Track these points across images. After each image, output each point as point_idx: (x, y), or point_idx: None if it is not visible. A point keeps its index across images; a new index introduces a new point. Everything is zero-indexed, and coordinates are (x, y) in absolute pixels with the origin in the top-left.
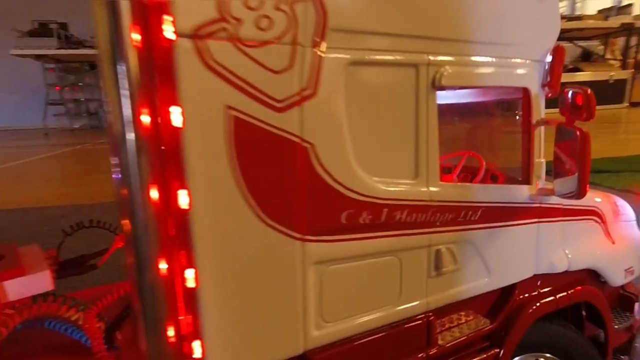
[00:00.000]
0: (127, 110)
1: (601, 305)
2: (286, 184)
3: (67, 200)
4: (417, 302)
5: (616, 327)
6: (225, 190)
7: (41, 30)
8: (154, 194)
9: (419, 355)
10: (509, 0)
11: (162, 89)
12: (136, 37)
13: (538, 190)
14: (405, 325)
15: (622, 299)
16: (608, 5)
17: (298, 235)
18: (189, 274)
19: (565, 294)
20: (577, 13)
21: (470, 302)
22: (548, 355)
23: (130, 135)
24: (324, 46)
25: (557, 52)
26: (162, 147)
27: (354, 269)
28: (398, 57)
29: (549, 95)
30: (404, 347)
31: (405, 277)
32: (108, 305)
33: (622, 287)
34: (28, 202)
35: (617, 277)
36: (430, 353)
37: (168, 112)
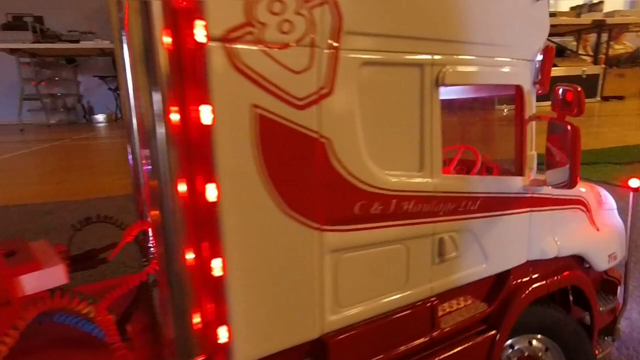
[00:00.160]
0: (157, 108)
1: (588, 289)
2: (305, 177)
3: (49, 198)
4: (422, 287)
5: (600, 309)
6: (251, 183)
7: (15, 24)
8: (182, 187)
9: (424, 338)
10: (505, 4)
11: (192, 89)
12: (167, 40)
13: (531, 181)
14: (412, 309)
15: (605, 283)
16: (580, 2)
17: (316, 225)
18: (216, 263)
19: (555, 278)
20: (551, 10)
21: (469, 287)
22: (539, 336)
23: (161, 132)
24: (339, 48)
25: (546, 51)
26: (191, 143)
27: (366, 256)
28: (405, 58)
29: (539, 92)
30: (410, 329)
31: (412, 263)
32: (117, 299)
33: (605, 272)
34: (8, 200)
35: (601, 263)
36: (434, 335)
37: (197, 110)
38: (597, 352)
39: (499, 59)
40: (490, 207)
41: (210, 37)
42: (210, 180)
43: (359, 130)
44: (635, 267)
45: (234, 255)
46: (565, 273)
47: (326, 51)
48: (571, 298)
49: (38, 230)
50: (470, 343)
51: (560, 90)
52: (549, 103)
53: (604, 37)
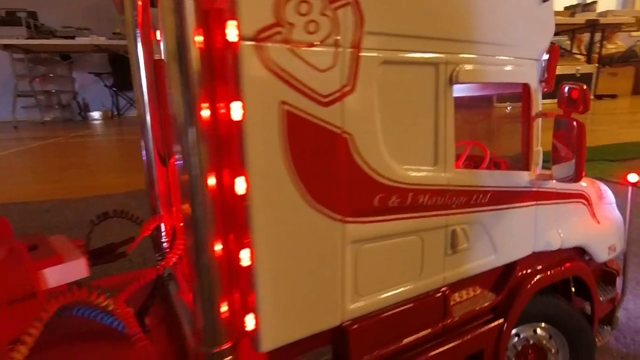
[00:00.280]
0: (189, 105)
1: (589, 280)
2: (329, 171)
3: (47, 196)
4: (436, 277)
5: (600, 299)
6: (279, 176)
7: (9, 19)
8: (212, 180)
9: (437, 326)
10: (513, 7)
11: (223, 86)
12: (199, 39)
13: (538, 175)
14: (425, 299)
15: (604, 274)
16: (574, 2)
17: (339, 217)
18: (244, 254)
19: (558, 269)
20: None
21: (478, 278)
22: (544, 325)
23: (192, 128)
24: (360, 47)
25: (552, 51)
26: (221, 139)
27: (384, 247)
28: (422, 57)
29: (545, 90)
30: (424, 318)
31: (426, 254)
32: (134, 292)
33: (605, 263)
34: (7, 198)
35: (601, 254)
36: (447, 323)
37: (228, 107)
38: (597, 340)
39: (508, 58)
40: (500, 200)
41: (242, 37)
42: (240, 174)
43: (378, 126)
44: (632, 259)
45: (262, 246)
46: (568, 264)
47: (348, 50)
48: (573, 289)
49: (40, 228)
50: (480, 331)
51: (566, 88)
52: (551, 101)
53: (598, 36)
